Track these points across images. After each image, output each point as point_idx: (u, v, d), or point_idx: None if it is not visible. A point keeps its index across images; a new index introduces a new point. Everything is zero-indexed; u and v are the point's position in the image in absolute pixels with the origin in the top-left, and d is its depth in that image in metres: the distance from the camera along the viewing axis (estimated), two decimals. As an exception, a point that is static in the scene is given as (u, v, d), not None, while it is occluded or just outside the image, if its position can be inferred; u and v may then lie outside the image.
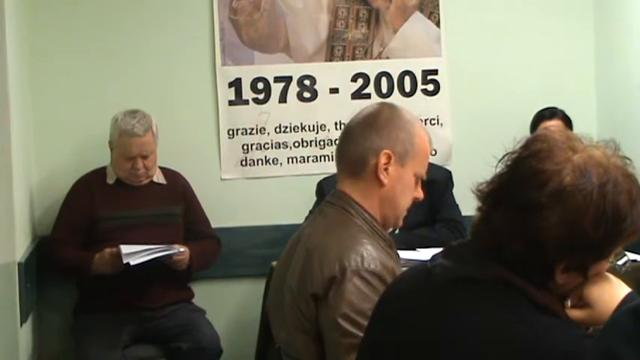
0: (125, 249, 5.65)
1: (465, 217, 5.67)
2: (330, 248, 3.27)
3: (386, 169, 3.40)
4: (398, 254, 3.51)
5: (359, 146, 3.47)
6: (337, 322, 3.14)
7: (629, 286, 2.67)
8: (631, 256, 5.23)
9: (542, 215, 2.40)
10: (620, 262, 4.69)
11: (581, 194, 2.39)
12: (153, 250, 5.70)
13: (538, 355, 2.34)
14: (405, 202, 3.49)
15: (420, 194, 3.53)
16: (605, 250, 2.51)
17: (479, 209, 2.59)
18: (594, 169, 2.43)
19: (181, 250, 5.89)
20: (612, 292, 2.60)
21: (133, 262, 5.60)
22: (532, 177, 2.45)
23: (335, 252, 3.24)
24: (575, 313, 2.60)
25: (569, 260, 2.46)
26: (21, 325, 5.16)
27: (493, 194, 2.54)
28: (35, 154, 6.32)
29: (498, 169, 2.57)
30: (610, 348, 2.11)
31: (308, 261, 3.31)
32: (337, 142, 3.71)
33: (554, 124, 6.45)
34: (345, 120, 6.52)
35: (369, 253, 3.23)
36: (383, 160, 3.39)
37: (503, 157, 2.57)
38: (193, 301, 6.38)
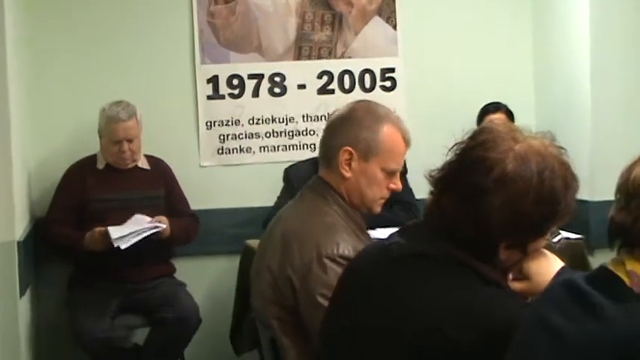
0: (114, 233, 5.67)
1: (418, 200, 5.70)
2: (309, 236, 3.30)
3: (349, 164, 3.42)
4: (369, 235, 3.53)
5: (329, 141, 3.50)
6: (317, 300, 3.17)
7: (563, 261, 2.71)
8: (565, 234, 5.28)
9: (487, 199, 2.44)
10: (555, 240, 4.73)
11: (522, 180, 2.43)
12: (139, 231, 5.72)
13: (483, 322, 2.38)
14: (372, 193, 3.48)
15: (396, 185, 3.52)
16: (542, 230, 2.56)
17: (431, 193, 2.62)
18: (533, 157, 2.47)
19: (163, 226, 5.92)
20: (548, 266, 2.64)
21: (123, 246, 5.65)
22: (478, 164, 2.48)
23: (313, 240, 3.28)
24: (516, 285, 2.65)
25: (511, 239, 2.50)
26: (20, 297, 5.15)
27: (444, 180, 2.58)
28: (32, 141, 6.30)
29: (448, 158, 2.60)
30: (544, 315, 2.16)
31: (288, 245, 3.35)
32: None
33: (498, 118, 6.48)
34: (312, 113, 6.65)
35: (343, 241, 3.27)
36: (345, 156, 3.41)
37: (453, 146, 2.60)
38: (175, 275, 6.38)
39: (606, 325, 1.99)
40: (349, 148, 3.41)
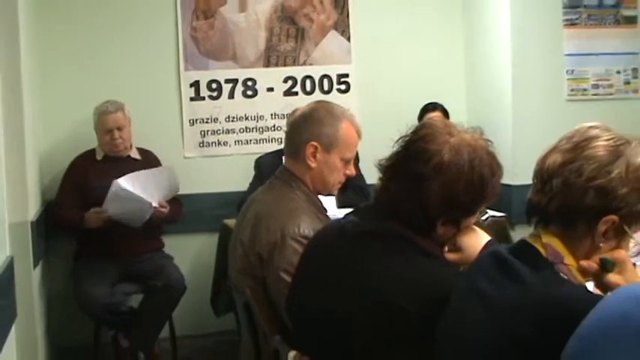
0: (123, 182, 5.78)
1: (369, 184, 5.72)
2: (275, 219, 3.32)
3: (314, 156, 3.46)
4: (328, 216, 3.54)
5: (296, 137, 3.53)
6: (280, 276, 3.18)
7: (490, 235, 2.73)
8: (491, 212, 5.32)
9: (427, 184, 2.47)
10: (483, 218, 4.76)
11: (456, 168, 2.46)
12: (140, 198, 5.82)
13: (423, 288, 2.41)
14: (333, 179, 3.53)
15: (351, 172, 3.58)
16: (473, 209, 2.58)
17: (380, 179, 2.64)
18: (465, 149, 2.50)
19: (163, 210, 5.96)
20: (477, 239, 2.66)
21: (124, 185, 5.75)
22: (420, 155, 2.50)
23: (278, 222, 3.30)
24: (451, 256, 2.66)
25: (447, 217, 2.53)
26: (34, 269, 5.12)
27: (391, 168, 2.59)
28: (42, 134, 6.27)
29: (395, 149, 2.61)
30: (474, 282, 2.17)
31: (257, 225, 3.38)
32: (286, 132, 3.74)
33: (435, 115, 6.48)
34: (279, 111, 6.66)
35: (304, 222, 3.29)
36: (311, 149, 3.45)
37: (398, 139, 2.62)
38: (163, 250, 6.35)
39: (527, 290, 2.01)
40: (314, 143, 3.45)
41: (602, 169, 2.07)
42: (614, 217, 2.08)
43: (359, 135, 3.55)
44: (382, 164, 2.63)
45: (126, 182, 5.77)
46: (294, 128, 3.61)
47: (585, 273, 2.16)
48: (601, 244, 2.12)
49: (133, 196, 5.77)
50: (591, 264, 2.13)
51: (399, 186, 2.54)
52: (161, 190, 5.97)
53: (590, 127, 2.17)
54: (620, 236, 2.14)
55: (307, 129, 3.50)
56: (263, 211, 3.44)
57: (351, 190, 5.63)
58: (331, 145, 3.47)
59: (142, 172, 5.97)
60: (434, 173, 2.47)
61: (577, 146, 2.12)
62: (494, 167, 2.55)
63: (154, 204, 5.85)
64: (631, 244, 2.22)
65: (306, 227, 3.27)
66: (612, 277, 2.15)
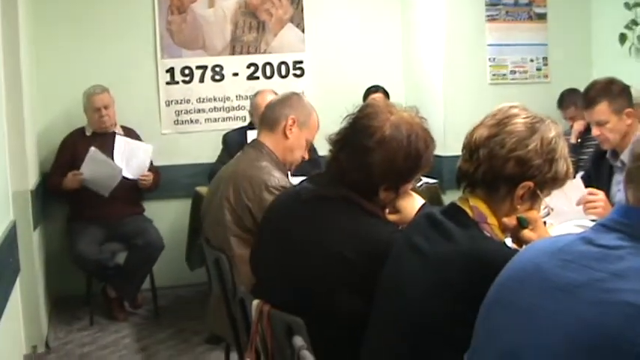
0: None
1: (321, 156, 5.72)
2: (255, 175, 3.43)
3: (291, 128, 3.55)
4: (289, 182, 3.58)
5: (277, 111, 3.61)
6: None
7: (424, 199, 2.75)
8: (425, 179, 5.34)
9: (371, 155, 2.49)
10: (418, 184, 4.79)
11: (395, 141, 2.49)
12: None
13: (367, 243, 2.43)
14: (297, 155, 3.62)
15: (306, 155, 3.69)
16: (410, 177, 2.60)
17: (330, 151, 2.64)
18: (404, 125, 2.52)
19: (145, 182, 6.09)
20: (414, 202, 2.68)
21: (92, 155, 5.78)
22: (364, 130, 2.52)
23: (259, 177, 3.41)
24: (391, 217, 2.68)
25: (388, 183, 2.54)
26: (34, 231, 5.12)
27: (340, 141, 2.60)
28: (39, 115, 6.22)
29: (343, 125, 2.62)
30: (410, 238, 2.19)
31: (239, 183, 3.44)
32: (262, 112, 3.78)
33: (378, 96, 6.50)
34: (243, 93, 6.64)
35: (279, 176, 3.43)
36: (290, 122, 3.55)
37: (346, 117, 2.63)
38: (144, 214, 6.37)
39: (456, 246, 2.04)
40: (294, 117, 3.56)
41: (521, 142, 2.11)
42: (530, 183, 2.13)
43: (318, 126, 3.66)
44: (332, 138, 2.64)
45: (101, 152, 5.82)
46: (272, 106, 3.69)
47: (505, 229, 2.19)
48: (518, 206, 2.17)
49: (106, 162, 5.79)
50: (511, 221, 2.17)
51: (347, 157, 2.55)
52: (134, 165, 5.96)
53: (511, 106, 2.21)
54: (533, 199, 2.19)
55: (287, 107, 3.62)
56: (242, 171, 3.51)
57: (304, 161, 5.64)
58: (304, 124, 3.59)
59: (122, 141, 5.99)
60: (377, 146, 2.49)
61: (500, 122, 2.16)
62: (428, 141, 2.58)
63: (129, 175, 5.87)
64: (542, 206, 2.25)
65: (282, 179, 3.42)
66: (527, 233, 2.19)
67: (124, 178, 5.92)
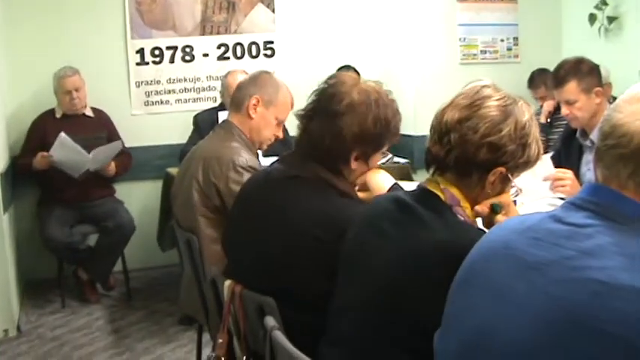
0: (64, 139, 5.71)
1: (292, 136, 5.72)
2: (224, 154, 3.41)
3: (255, 108, 3.54)
4: (260, 163, 3.58)
5: (242, 91, 3.60)
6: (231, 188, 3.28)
7: (395, 178, 2.76)
8: (396, 159, 5.37)
9: (341, 119, 2.51)
10: (384, 160, 4.82)
11: (364, 105, 2.52)
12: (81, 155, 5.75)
13: (337, 222, 2.41)
14: (266, 135, 3.60)
15: (279, 134, 3.65)
16: (380, 143, 2.61)
17: (299, 127, 2.66)
18: (371, 92, 2.56)
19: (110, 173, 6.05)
20: (384, 181, 2.71)
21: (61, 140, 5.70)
22: (333, 97, 2.55)
23: (227, 156, 3.39)
24: (361, 195, 2.69)
25: (359, 149, 2.55)
26: (4, 214, 5.10)
27: (309, 112, 2.61)
28: (8, 98, 6.18)
29: (310, 99, 2.64)
30: (376, 223, 2.17)
31: (208, 162, 3.43)
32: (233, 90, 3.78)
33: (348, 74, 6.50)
34: (213, 74, 6.62)
35: (248, 156, 3.42)
36: (253, 101, 3.53)
37: (314, 91, 2.64)
38: (115, 195, 6.33)
39: (433, 234, 2.00)
40: (257, 96, 3.55)
41: (495, 127, 2.06)
42: (502, 169, 2.09)
43: (292, 105, 3.61)
44: (300, 113, 2.65)
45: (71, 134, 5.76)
46: (240, 87, 3.68)
47: (477, 215, 2.19)
48: (489, 191, 2.14)
49: (75, 148, 5.72)
50: (484, 208, 2.16)
51: (318, 124, 2.56)
52: (99, 158, 5.89)
53: (483, 86, 2.15)
54: (504, 183, 2.16)
55: (252, 86, 3.60)
56: (211, 151, 3.50)
57: (277, 141, 5.64)
58: (270, 102, 3.56)
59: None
60: (347, 110, 2.51)
61: (472, 104, 2.10)
62: (395, 110, 2.61)
63: (92, 167, 5.82)
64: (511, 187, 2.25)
65: (251, 159, 3.41)
66: (500, 218, 2.18)
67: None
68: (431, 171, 2.20)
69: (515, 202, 2.42)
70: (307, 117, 2.61)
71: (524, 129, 2.10)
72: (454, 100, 2.15)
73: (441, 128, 2.13)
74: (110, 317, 5.69)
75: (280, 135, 3.68)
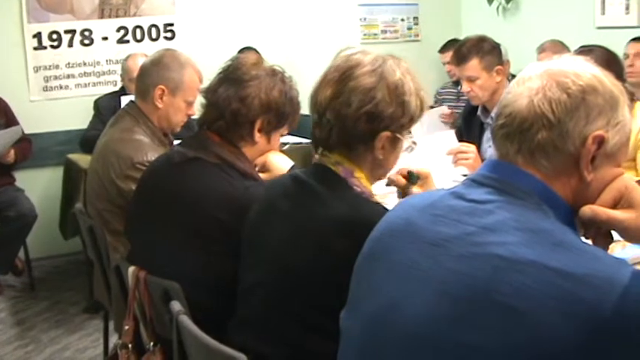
0: None
1: (194, 119, 5.68)
2: (124, 150, 3.34)
3: (161, 98, 3.47)
4: (169, 145, 3.54)
5: (146, 79, 3.52)
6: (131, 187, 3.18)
7: (296, 160, 2.80)
8: (298, 139, 5.37)
9: (249, 85, 2.58)
10: (283, 141, 4.83)
11: (270, 78, 2.64)
12: None
13: (238, 202, 2.43)
14: (177, 119, 3.55)
15: (192, 112, 3.55)
16: (284, 119, 2.69)
17: (203, 105, 2.71)
18: (277, 70, 2.69)
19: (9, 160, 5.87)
20: (283, 163, 2.74)
21: None
22: (239, 69, 2.64)
23: (127, 152, 3.32)
24: (262, 176, 2.70)
25: (264, 118, 2.62)
26: None
27: (216, 84, 2.65)
28: None
29: (217, 74, 2.69)
30: (274, 203, 2.17)
31: (109, 156, 3.37)
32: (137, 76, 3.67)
33: (247, 55, 6.48)
34: (113, 58, 6.50)
35: (149, 151, 3.32)
36: (158, 92, 3.47)
37: (218, 72, 2.69)
38: (15, 184, 6.16)
39: (332, 211, 2.00)
40: (162, 86, 3.47)
41: (367, 95, 2.04)
42: (387, 133, 2.08)
43: (201, 80, 3.53)
44: (205, 88, 2.69)
45: None
46: (143, 72, 3.58)
47: (392, 184, 2.20)
48: (381, 157, 2.12)
49: None
50: (399, 178, 2.17)
51: (225, 90, 2.60)
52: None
53: (350, 55, 2.13)
54: (395, 143, 2.13)
55: (156, 73, 3.50)
56: (112, 142, 3.44)
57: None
58: (177, 88, 3.49)
59: None
60: (254, 78, 2.60)
61: (342, 78, 2.08)
62: (297, 94, 2.70)
63: None
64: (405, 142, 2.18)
65: (152, 155, 3.28)
66: (415, 190, 2.19)
67: None
68: (319, 151, 2.18)
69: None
70: (212, 90, 2.64)
71: (397, 88, 2.07)
72: (326, 76, 2.13)
73: (317, 109, 2.12)
74: (13, 309, 5.57)
75: (194, 112, 3.56)
